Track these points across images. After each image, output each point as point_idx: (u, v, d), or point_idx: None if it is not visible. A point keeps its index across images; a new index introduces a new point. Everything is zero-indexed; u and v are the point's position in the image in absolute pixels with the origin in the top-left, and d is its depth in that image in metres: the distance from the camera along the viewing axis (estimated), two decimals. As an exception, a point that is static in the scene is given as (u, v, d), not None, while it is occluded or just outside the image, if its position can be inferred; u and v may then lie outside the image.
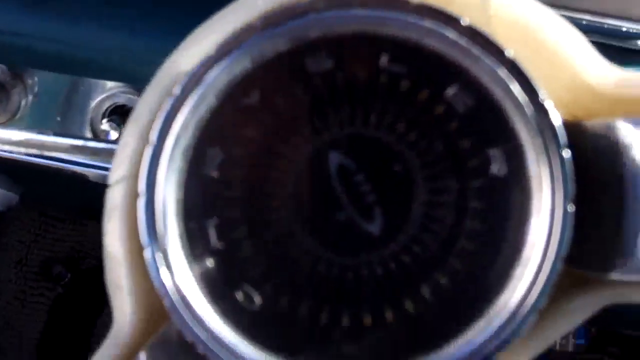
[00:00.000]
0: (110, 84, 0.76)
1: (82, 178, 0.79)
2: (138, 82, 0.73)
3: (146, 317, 0.37)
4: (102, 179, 0.78)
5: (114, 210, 0.36)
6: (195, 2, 0.68)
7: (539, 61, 0.34)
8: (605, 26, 0.69)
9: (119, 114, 0.77)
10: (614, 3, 0.70)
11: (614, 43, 0.71)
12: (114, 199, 0.37)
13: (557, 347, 1.10)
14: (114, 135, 0.78)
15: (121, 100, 0.76)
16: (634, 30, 0.69)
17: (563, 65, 0.36)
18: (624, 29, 0.70)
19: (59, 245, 1.29)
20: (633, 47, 0.69)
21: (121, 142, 0.37)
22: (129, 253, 0.36)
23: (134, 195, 0.36)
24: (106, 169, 0.78)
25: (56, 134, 0.66)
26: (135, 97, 0.75)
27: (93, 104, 0.77)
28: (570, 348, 1.11)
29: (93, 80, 0.76)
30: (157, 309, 0.36)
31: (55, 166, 0.76)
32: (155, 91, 0.37)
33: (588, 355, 1.16)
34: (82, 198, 1.00)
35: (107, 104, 0.76)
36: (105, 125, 0.75)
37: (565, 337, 1.10)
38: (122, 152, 0.37)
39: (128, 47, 0.69)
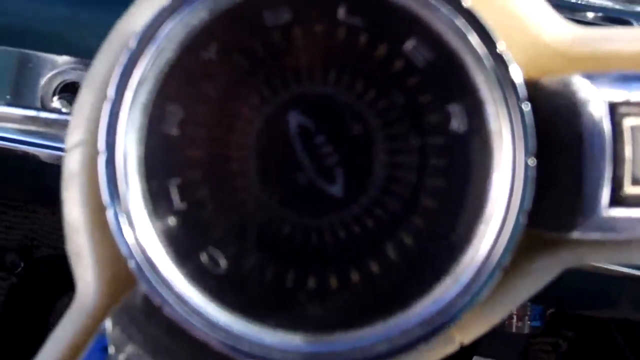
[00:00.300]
0: (60, 60, 0.74)
1: (33, 160, 0.77)
2: (87, 54, 0.72)
3: (109, 285, 0.36)
4: (56, 160, 0.77)
5: (72, 177, 0.35)
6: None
7: (493, 19, 0.34)
8: (556, -3, 0.70)
9: (70, 91, 0.75)
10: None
11: (563, 15, 0.72)
12: (71, 165, 0.35)
13: (514, 329, 1.12)
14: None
15: (72, 77, 0.74)
16: (583, 2, 0.70)
17: (517, 23, 0.36)
18: (573, 0, 0.70)
19: (11, 233, 1.27)
20: (582, 19, 0.70)
21: (76, 105, 0.36)
22: (89, 221, 0.35)
23: (92, 160, 0.35)
24: (60, 149, 0.76)
25: (8, 104, 0.64)
26: (85, 73, 0.73)
27: (43, 81, 0.75)
28: (526, 330, 1.12)
29: (42, 57, 0.74)
30: (120, 277, 0.35)
31: (4, 146, 0.74)
32: (108, 51, 0.36)
33: (543, 338, 1.18)
34: (34, 183, 0.98)
35: (57, 81, 0.74)
36: (56, 102, 0.74)
37: (521, 320, 1.11)
38: (77, 116, 0.36)
39: (77, 18, 0.67)
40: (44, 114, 0.65)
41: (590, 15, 0.69)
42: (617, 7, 0.69)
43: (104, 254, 0.36)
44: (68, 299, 1.24)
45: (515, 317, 1.10)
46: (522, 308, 1.09)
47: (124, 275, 0.35)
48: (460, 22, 0.32)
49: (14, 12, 0.70)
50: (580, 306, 0.93)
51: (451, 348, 0.36)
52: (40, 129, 0.71)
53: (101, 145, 0.33)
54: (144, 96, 0.33)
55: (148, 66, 0.33)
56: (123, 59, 0.33)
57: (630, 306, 0.85)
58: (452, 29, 0.33)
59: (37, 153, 0.76)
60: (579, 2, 0.70)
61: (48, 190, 1.01)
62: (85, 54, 0.73)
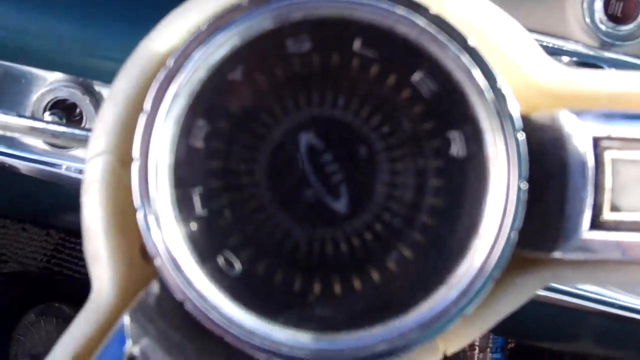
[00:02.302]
0: (52, 77, 0.76)
1: (6, 173, 0.78)
2: (80, 72, 0.74)
3: (123, 285, 0.38)
4: (35, 172, 0.78)
5: (93, 183, 0.38)
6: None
7: (488, 57, 0.37)
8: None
9: (61, 108, 0.77)
10: (538, 19, 0.74)
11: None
12: (93, 172, 0.38)
13: (475, 360, 1.14)
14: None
15: (63, 94, 0.76)
16: (557, 46, 0.74)
17: (509, 62, 0.39)
18: (550, 45, 0.74)
19: (-22, 249, 1.26)
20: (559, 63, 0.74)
21: (98, 117, 0.39)
22: (107, 224, 0.38)
23: (112, 169, 0.37)
24: (43, 162, 0.78)
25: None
26: (77, 91, 0.75)
27: (34, 97, 0.76)
28: (487, 363, 1.14)
29: (35, 74, 0.76)
30: (134, 278, 0.38)
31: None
32: (131, 69, 0.39)
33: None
34: (5, 197, 0.98)
35: (48, 98, 0.76)
36: (47, 118, 0.75)
37: (483, 351, 1.13)
38: (100, 127, 0.38)
39: (73, 36, 0.69)
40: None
41: (565, 59, 0.74)
42: (590, 52, 0.74)
43: (119, 256, 0.38)
44: (34, 314, 1.24)
45: (477, 348, 1.13)
46: (485, 339, 1.12)
47: (136, 277, 0.38)
48: (466, 59, 0.36)
49: (11, 27, 0.72)
50: (542, 339, 0.96)
51: (435, 356, 0.40)
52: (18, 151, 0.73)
53: (135, 152, 0.36)
54: (176, 111, 0.36)
55: (182, 84, 0.36)
56: (160, 76, 0.36)
57: (591, 341, 0.88)
58: (458, 64, 0.36)
59: (14, 164, 0.78)
60: (555, 46, 0.74)
61: (21, 204, 1.02)
62: (78, 71, 0.75)
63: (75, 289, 1.22)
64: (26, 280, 1.28)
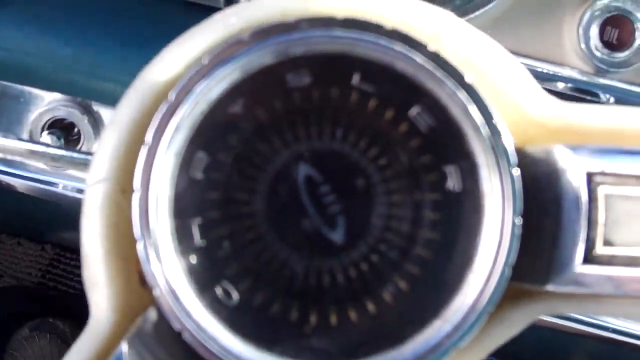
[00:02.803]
0: (50, 97, 0.76)
1: (3, 190, 0.78)
2: (82, 93, 0.74)
3: (122, 313, 0.39)
4: (31, 190, 0.79)
5: (93, 209, 0.38)
6: (148, 20, 0.70)
7: (484, 91, 0.38)
8: (527, 67, 0.74)
9: (59, 128, 0.77)
10: (534, 45, 0.75)
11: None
12: (94, 198, 0.38)
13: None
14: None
15: (61, 113, 0.76)
16: (552, 72, 0.75)
17: (505, 96, 0.40)
18: (545, 71, 0.75)
19: (-28, 263, 1.26)
20: (552, 89, 0.75)
21: (100, 144, 0.39)
22: (107, 251, 0.38)
23: (113, 196, 0.38)
24: (41, 181, 0.78)
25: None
26: (76, 111, 0.76)
27: (32, 116, 0.77)
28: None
29: (33, 93, 0.77)
30: (132, 305, 0.38)
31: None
32: (133, 97, 0.39)
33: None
34: (3, 212, 0.98)
35: (46, 117, 0.76)
36: (45, 138, 0.75)
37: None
38: (101, 155, 0.39)
39: (77, 58, 0.70)
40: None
41: (560, 85, 0.74)
42: (585, 79, 0.74)
43: (118, 282, 0.39)
44: (28, 329, 1.24)
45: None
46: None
47: (134, 303, 0.38)
48: (462, 95, 0.36)
49: (10, 47, 0.72)
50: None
51: None
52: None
53: (136, 184, 0.36)
54: (177, 143, 0.37)
55: (183, 117, 0.36)
56: (162, 109, 0.36)
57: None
58: (454, 100, 0.37)
59: (11, 182, 0.78)
60: (551, 72, 0.74)
61: (17, 220, 1.02)
62: (77, 92, 0.75)
63: (69, 304, 1.22)
64: (21, 295, 1.28)
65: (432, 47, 0.36)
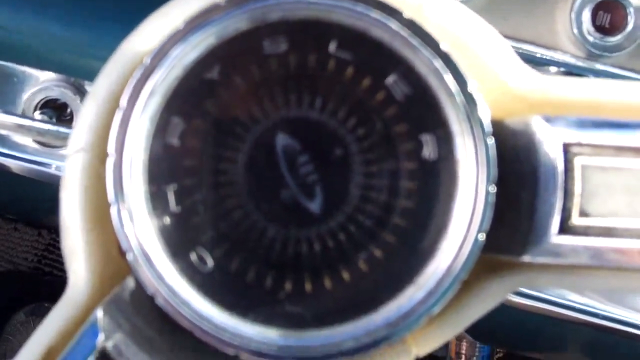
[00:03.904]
0: (43, 77, 0.76)
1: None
2: (75, 73, 0.74)
3: (99, 280, 0.39)
4: (29, 172, 0.79)
5: (72, 179, 0.38)
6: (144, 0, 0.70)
7: (466, 65, 0.38)
8: (520, 51, 0.75)
9: (52, 108, 0.77)
10: (526, 30, 0.75)
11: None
12: (72, 168, 0.38)
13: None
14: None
15: (54, 93, 0.76)
16: (547, 57, 0.75)
17: (486, 69, 0.40)
18: (538, 55, 0.75)
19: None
20: (545, 73, 0.75)
21: (80, 115, 0.39)
22: (85, 220, 0.38)
23: (91, 166, 0.38)
24: (33, 161, 0.78)
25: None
26: (68, 91, 0.76)
27: (25, 96, 0.77)
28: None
29: (27, 72, 0.77)
30: (109, 274, 0.38)
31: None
32: (112, 68, 0.40)
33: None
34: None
35: (39, 97, 0.77)
36: (37, 117, 0.76)
37: (468, 360, 1.14)
38: (80, 125, 0.39)
39: (71, 37, 0.70)
40: (38, 124, 0.67)
41: (553, 69, 0.74)
42: (578, 63, 0.74)
43: (96, 251, 0.39)
44: (24, 314, 1.24)
45: (464, 356, 1.13)
46: (471, 348, 1.12)
47: (113, 272, 0.39)
48: (438, 63, 0.36)
49: (3, 26, 0.72)
50: (530, 349, 0.96)
51: (408, 359, 0.40)
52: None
53: (110, 148, 0.36)
54: (152, 108, 0.37)
55: (158, 81, 0.36)
56: (137, 74, 0.36)
57: (578, 352, 0.88)
58: (430, 68, 0.37)
59: (4, 163, 0.78)
60: (543, 56, 0.74)
61: (14, 204, 1.02)
62: (71, 71, 0.75)
63: (65, 289, 1.22)
64: (17, 280, 1.28)
65: (407, 14, 0.36)
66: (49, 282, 1.27)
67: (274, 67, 0.38)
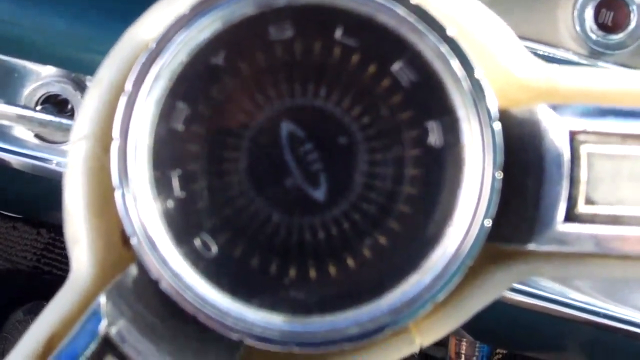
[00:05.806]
0: (45, 72, 0.76)
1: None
2: (77, 68, 0.74)
3: (102, 268, 0.39)
4: (30, 168, 0.79)
5: (75, 167, 0.38)
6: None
7: (472, 53, 0.37)
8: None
9: (53, 103, 0.77)
10: (529, 28, 0.75)
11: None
12: (75, 156, 0.38)
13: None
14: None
15: (55, 89, 0.76)
16: (550, 54, 0.75)
17: (491, 58, 0.40)
18: (540, 52, 0.75)
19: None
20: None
21: (83, 103, 0.39)
22: (88, 208, 0.38)
23: (94, 153, 0.38)
24: (34, 157, 0.78)
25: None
26: (69, 87, 0.76)
27: (26, 92, 0.77)
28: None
29: (28, 68, 0.77)
30: (112, 261, 0.38)
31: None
32: (116, 56, 0.39)
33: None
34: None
35: (41, 92, 0.76)
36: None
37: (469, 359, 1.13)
38: (84, 112, 0.39)
39: (72, 32, 0.70)
40: (39, 115, 0.67)
41: (555, 66, 0.74)
42: (581, 61, 0.74)
43: (99, 238, 0.39)
44: (22, 313, 1.24)
45: (463, 356, 1.13)
46: (471, 348, 1.12)
47: (115, 260, 0.39)
48: (444, 49, 0.36)
49: (5, 20, 0.72)
50: (530, 348, 0.96)
51: (412, 349, 0.40)
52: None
53: (115, 132, 0.36)
54: (157, 92, 0.37)
55: (164, 66, 0.36)
56: (142, 58, 0.36)
57: (579, 351, 0.88)
58: (437, 54, 0.36)
59: (4, 158, 0.78)
60: (546, 53, 0.74)
61: (14, 200, 1.02)
62: (72, 66, 0.75)
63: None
64: (15, 279, 1.28)
65: (414, 0, 0.36)
66: (48, 281, 1.26)
67: (279, 53, 0.37)
